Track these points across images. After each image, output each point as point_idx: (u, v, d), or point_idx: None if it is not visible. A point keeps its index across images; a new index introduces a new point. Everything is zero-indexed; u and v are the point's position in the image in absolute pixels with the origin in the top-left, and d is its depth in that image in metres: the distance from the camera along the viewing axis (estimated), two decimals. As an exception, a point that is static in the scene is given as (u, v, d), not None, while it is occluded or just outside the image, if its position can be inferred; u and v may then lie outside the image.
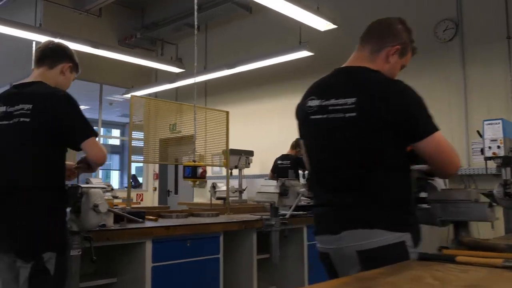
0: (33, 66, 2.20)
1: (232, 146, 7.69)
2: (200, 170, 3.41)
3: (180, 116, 4.19)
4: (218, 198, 5.01)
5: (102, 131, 10.72)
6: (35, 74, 2.14)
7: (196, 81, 8.47)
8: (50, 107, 1.94)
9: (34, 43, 6.27)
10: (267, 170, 7.47)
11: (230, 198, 4.93)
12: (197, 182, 3.44)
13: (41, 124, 1.92)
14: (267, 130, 8.60)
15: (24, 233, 1.84)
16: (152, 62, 7.37)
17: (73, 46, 6.16)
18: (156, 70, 9.63)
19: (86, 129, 2.00)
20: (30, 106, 1.94)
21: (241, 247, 3.18)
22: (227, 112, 4.25)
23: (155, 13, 9.50)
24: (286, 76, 8.05)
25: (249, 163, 8.18)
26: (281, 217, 3.14)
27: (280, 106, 8.30)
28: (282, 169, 6.94)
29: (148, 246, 2.51)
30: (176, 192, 10.11)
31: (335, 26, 5.74)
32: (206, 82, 9.13)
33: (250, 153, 8.23)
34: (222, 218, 3.31)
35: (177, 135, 4.23)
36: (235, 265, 3.08)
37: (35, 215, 1.85)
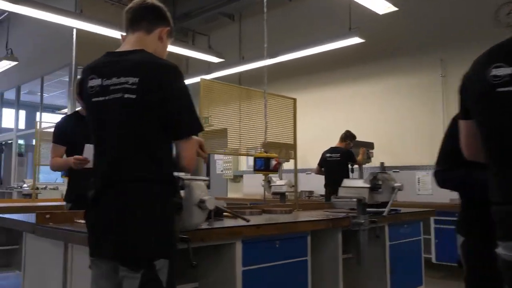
0: (124, 32, 1.81)
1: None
2: (273, 162, 3.07)
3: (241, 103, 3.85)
4: (274, 194, 4.67)
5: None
6: (131, 41, 1.73)
7: (234, 71, 8.27)
8: (162, 83, 1.57)
9: (74, 30, 6.04)
10: (306, 165, 7.12)
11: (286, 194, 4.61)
12: (269, 175, 3.10)
13: (150, 103, 1.55)
14: (306, 122, 8.25)
15: (134, 235, 1.49)
16: (193, 51, 7.05)
17: (114, 34, 5.94)
18: (188, 60, 9.36)
19: (195, 123, 1.65)
20: (136, 79, 1.55)
21: (324, 248, 2.84)
22: (295, 100, 3.90)
23: (186, 4, 9.22)
24: (330, 66, 7.69)
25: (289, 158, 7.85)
26: (370, 214, 2.80)
27: (319, 97, 7.98)
28: (331, 162, 6.58)
29: (238, 247, 2.18)
30: (208, 187, 9.81)
31: (396, 9, 5.33)
32: (240, 74, 8.83)
33: (291, 146, 7.88)
34: (301, 216, 2.97)
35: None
36: (318, 267, 2.74)
37: (148, 213, 1.50)
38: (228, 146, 4.03)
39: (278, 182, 4.73)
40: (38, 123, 6.02)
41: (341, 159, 6.49)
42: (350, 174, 6.62)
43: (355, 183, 2.76)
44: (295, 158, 3.75)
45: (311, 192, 7.80)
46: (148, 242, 1.49)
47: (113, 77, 1.59)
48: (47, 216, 2.30)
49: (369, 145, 7.23)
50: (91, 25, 5.50)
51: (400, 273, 3.32)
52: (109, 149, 1.59)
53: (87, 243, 1.62)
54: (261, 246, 2.31)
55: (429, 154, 6.59)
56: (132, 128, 1.56)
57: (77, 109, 3.41)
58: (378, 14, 5.70)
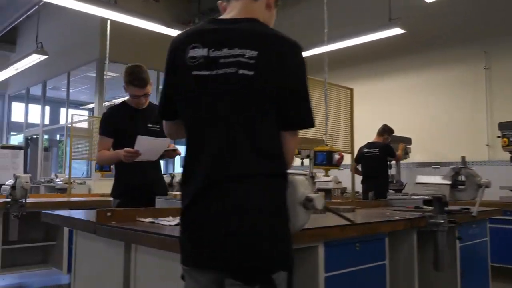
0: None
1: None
2: (336, 157, 2.84)
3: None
4: (319, 190, 4.45)
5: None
6: (237, 7, 1.43)
7: None
8: (284, 61, 1.30)
9: (108, 22, 5.89)
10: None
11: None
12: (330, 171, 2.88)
13: (268, 83, 1.28)
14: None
15: (252, 242, 1.22)
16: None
17: (148, 25, 5.78)
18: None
19: (309, 116, 1.38)
20: (255, 53, 1.27)
21: (401, 249, 2.61)
22: (351, 89, 3.67)
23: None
24: (369, 58, 7.43)
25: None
26: (448, 213, 2.56)
27: (357, 91, 7.69)
28: (369, 158, 6.32)
29: (321, 251, 1.97)
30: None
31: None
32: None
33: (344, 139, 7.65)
34: (369, 215, 2.74)
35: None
36: (392, 270, 2.52)
37: (270, 214, 1.24)
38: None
39: (324, 178, 4.51)
40: (71, 116, 5.88)
41: (380, 154, 6.24)
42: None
43: (433, 179, 2.52)
44: (351, 151, 3.52)
45: (343, 189, 7.55)
46: (269, 250, 1.23)
47: (224, 47, 1.31)
48: (109, 214, 2.12)
49: (407, 141, 6.97)
50: (126, 16, 5.33)
51: (470, 277, 3.08)
52: (216, 138, 1.30)
53: (177, 248, 1.39)
54: (343, 250, 2.09)
55: (471, 150, 6.32)
56: (247, 112, 1.29)
57: (124, 99, 3.23)
58: (419, 5, 5.43)
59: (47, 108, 12.66)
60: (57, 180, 5.42)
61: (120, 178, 3.14)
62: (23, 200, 3.68)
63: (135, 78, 3.01)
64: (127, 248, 2.10)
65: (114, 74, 9.44)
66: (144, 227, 2.01)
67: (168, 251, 1.67)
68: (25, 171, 11.50)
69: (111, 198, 3.09)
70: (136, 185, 3.07)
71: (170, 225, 2.02)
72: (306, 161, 7.40)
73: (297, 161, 7.16)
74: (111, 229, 2.04)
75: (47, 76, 10.64)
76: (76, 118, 5.84)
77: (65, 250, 4.12)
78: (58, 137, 12.61)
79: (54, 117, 12.99)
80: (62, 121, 12.82)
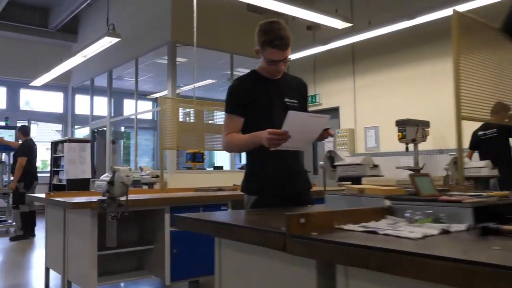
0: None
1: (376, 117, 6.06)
2: None
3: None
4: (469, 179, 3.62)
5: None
6: None
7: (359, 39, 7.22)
8: None
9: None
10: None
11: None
12: None
13: None
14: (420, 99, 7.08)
15: None
16: (318, 15, 6.02)
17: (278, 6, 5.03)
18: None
19: None
20: None
21: None
22: None
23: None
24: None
25: (426, 136, 6.78)
26: None
27: (425, 72, 6.80)
28: (486, 141, 5.41)
29: None
30: (315, 172, 8.91)
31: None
32: (353, 45, 7.75)
33: (426, 123, 6.76)
34: None
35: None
36: None
37: None
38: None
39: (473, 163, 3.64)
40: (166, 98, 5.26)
41: (499, 134, 5.36)
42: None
43: None
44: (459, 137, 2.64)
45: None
46: None
47: None
48: (302, 220, 1.36)
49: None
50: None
51: None
52: None
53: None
54: None
55: None
56: None
57: (254, 69, 2.48)
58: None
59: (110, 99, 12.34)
60: (143, 173, 4.80)
61: (255, 170, 2.41)
62: (122, 198, 3.04)
63: (276, 37, 2.24)
64: (321, 270, 1.34)
65: (183, 60, 8.84)
66: (357, 239, 1.23)
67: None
68: (92, 165, 11.21)
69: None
70: (278, 178, 2.34)
71: (412, 238, 1.24)
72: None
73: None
74: (312, 243, 1.28)
75: (112, 64, 10.20)
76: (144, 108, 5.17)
77: (167, 255, 3.47)
78: (122, 129, 12.27)
79: (117, 108, 12.64)
80: (126, 112, 12.48)
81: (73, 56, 7.96)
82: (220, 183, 5.23)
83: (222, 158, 14.72)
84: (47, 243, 4.07)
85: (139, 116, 10.55)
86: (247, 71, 2.53)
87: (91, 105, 11.40)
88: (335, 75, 8.50)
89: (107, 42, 6.76)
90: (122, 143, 11.72)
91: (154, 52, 8.91)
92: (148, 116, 13.95)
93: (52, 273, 4.00)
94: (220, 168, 9.52)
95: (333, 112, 8.46)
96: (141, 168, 4.90)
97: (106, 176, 3.13)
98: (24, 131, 7.29)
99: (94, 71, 10.90)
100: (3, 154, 7.82)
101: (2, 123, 9.71)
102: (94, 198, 3.16)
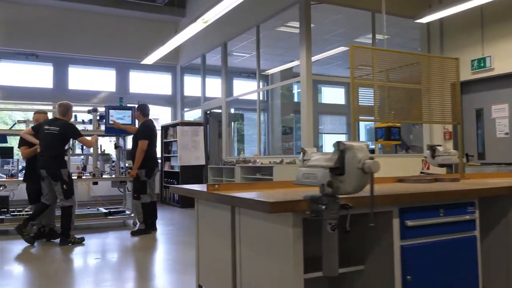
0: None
1: None
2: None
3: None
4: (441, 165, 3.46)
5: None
6: None
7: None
8: None
9: None
10: None
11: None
12: None
13: None
14: None
15: None
16: None
17: None
18: None
19: None
20: None
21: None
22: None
23: None
24: None
25: None
26: None
27: None
28: None
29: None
30: (482, 157, 7.20)
31: None
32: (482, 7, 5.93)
33: None
34: None
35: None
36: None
37: None
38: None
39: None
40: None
41: None
42: None
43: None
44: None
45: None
46: None
47: None
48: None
49: None
50: None
51: None
52: None
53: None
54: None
55: None
56: None
57: None
58: None
59: (212, 79, 11.34)
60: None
61: None
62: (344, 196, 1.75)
63: None
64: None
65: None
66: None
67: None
68: (206, 151, 10.36)
69: None
70: None
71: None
72: None
73: None
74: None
75: (227, 36, 9.13)
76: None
77: (397, 284, 2.15)
78: (232, 110, 11.27)
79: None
80: (236, 92, 11.46)
81: (190, 24, 6.92)
82: (396, 171, 3.80)
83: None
84: (199, 252, 2.95)
85: (247, 97, 9.47)
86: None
87: (203, 84, 10.44)
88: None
89: (228, 4, 5.63)
90: (234, 126, 10.75)
91: (278, 18, 7.68)
92: (253, 96, 12.73)
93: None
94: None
95: (508, 79, 6.65)
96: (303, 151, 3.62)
97: (322, 159, 1.87)
98: (143, 111, 6.42)
99: (205, 47, 9.97)
100: (119, 138, 7.04)
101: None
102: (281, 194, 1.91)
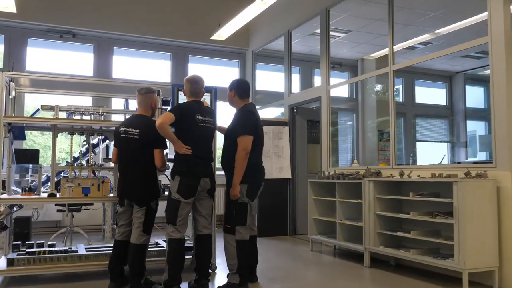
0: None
1: None
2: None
3: None
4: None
5: None
6: None
7: None
8: None
9: None
10: None
11: None
12: None
13: None
14: None
15: None
16: None
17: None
18: None
19: None
20: None
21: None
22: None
23: None
24: None
25: None
26: None
27: None
28: None
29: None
30: None
31: None
32: None
33: None
34: None
35: None
36: None
37: None
38: None
39: None
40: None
41: None
42: None
43: None
44: None
45: None
46: None
47: None
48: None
49: None
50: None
51: None
52: None
53: None
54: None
55: None
56: None
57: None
58: None
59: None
60: None
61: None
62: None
63: None
64: None
65: None
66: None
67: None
68: (292, 160, 7.82)
69: None
70: None
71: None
72: None
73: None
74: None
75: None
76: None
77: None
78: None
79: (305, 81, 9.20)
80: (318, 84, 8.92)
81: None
82: None
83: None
84: None
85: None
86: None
87: (288, 72, 7.82)
88: None
89: None
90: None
91: None
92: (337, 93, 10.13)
93: None
94: None
95: None
96: None
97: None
98: (241, 89, 4.01)
99: (286, 25, 7.58)
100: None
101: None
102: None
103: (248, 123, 3.87)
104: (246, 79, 4.15)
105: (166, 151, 3.94)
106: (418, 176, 4.56)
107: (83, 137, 4.55)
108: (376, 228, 4.77)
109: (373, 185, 4.79)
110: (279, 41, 8.07)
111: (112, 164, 4.49)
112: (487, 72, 4.42)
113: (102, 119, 4.66)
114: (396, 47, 5.66)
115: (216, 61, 9.15)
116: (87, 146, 4.84)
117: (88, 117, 4.64)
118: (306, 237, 6.17)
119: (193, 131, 3.73)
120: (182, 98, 4.20)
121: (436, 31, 7.88)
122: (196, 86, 3.87)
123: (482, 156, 9.74)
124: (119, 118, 5.53)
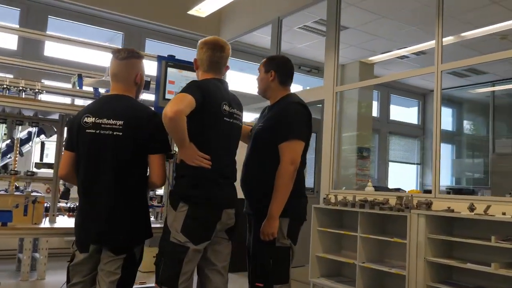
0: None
1: None
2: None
3: None
4: None
5: None
6: None
7: None
8: None
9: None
10: None
11: None
12: None
13: None
14: None
15: None
16: None
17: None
18: None
19: None
20: None
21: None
22: None
23: None
24: None
25: None
26: None
27: None
28: None
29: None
30: None
31: None
32: None
33: None
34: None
35: None
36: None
37: None
38: None
39: None
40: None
41: None
42: None
43: None
44: None
45: None
46: None
47: None
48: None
49: None
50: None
51: None
52: None
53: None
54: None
55: None
56: None
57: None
58: None
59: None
60: None
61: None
62: None
63: None
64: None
65: None
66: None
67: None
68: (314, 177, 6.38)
69: None
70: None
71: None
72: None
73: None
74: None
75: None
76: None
77: None
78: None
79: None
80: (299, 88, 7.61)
81: None
82: None
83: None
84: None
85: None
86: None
87: None
88: None
89: None
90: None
91: None
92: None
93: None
94: None
95: None
96: None
97: None
98: (282, 70, 2.59)
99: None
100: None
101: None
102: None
103: (299, 122, 2.44)
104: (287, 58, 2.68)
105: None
106: (504, 213, 3.28)
107: (4, 127, 2.81)
108: (426, 279, 3.48)
109: (425, 220, 3.51)
110: (259, 33, 6.67)
111: (52, 173, 2.78)
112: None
113: (39, 98, 2.91)
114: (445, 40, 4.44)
115: (176, 50, 7.52)
116: (9, 142, 3.10)
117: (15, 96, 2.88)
118: (303, 277, 4.74)
119: (217, 130, 2.21)
120: (177, 80, 2.66)
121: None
122: (220, 54, 2.33)
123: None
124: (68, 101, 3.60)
